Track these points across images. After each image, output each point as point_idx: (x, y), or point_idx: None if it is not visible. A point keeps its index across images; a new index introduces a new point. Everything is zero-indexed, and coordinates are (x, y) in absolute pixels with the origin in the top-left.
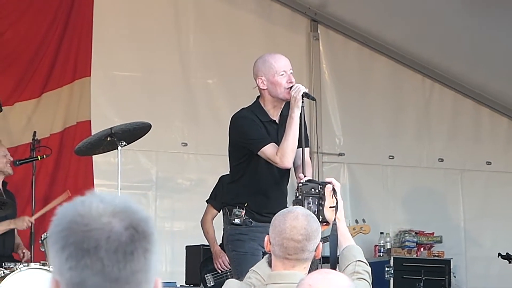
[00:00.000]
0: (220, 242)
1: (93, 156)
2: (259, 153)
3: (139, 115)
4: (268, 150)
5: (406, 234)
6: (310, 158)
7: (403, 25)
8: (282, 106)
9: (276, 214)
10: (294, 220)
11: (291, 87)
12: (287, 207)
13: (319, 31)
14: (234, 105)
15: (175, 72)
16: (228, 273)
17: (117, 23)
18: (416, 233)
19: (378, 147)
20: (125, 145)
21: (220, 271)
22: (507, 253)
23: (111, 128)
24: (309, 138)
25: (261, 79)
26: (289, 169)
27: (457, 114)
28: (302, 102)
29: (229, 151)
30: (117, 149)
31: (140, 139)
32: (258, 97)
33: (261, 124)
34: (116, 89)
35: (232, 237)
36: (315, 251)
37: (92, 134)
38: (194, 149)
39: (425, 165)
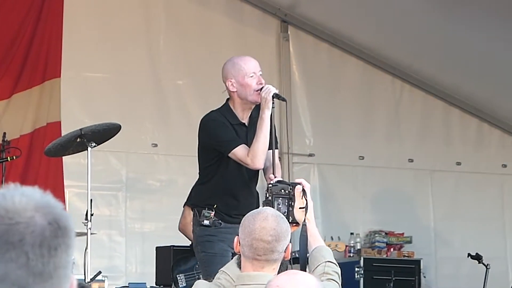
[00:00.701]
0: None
1: (63, 157)
2: (230, 154)
3: (110, 116)
4: (239, 152)
5: (376, 235)
6: (280, 158)
7: (373, 26)
8: (252, 108)
9: (246, 215)
10: (264, 221)
11: (261, 89)
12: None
13: (289, 32)
14: (204, 106)
15: (146, 73)
16: (201, 274)
17: (87, 24)
18: (386, 233)
19: (348, 147)
20: (95, 146)
21: (196, 272)
22: (476, 253)
23: (81, 129)
24: (278, 139)
25: (230, 81)
26: (258, 171)
27: (427, 115)
28: (273, 103)
29: (198, 153)
30: (87, 150)
31: (110, 140)
32: (228, 99)
33: (231, 127)
34: (87, 90)
35: (201, 238)
36: (285, 252)
37: (62, 135)
38: (164, 150)
39: (395, 166)
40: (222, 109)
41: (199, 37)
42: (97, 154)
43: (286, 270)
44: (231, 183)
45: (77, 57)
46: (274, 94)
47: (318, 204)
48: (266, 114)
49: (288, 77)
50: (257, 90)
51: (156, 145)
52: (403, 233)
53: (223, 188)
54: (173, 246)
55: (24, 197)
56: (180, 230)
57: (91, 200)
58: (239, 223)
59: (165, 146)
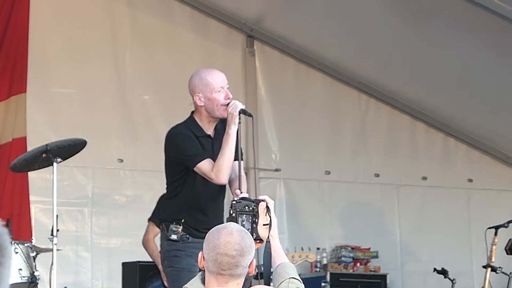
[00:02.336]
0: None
1: (29, 173)
2: (195, 168)
3: (76, 131)
4: (204, 166)
5: (343, 250)
6: (246, 173)
7: (339, 41)
8: (217, 121)
9: (210, 230)
10: (228, 236)
11: (228, 104)
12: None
13: (255, 47)
14: (170, 121)
15: (112, 88)
16: None
17: (53, 39)
18: (352, 248)
19: (314, 162)
20: (60, 161)
21: None
22: (442, 268)
23: (46, 145)
24: (243, 154)
25: (198, 95)
26: (225, 185)
27: (393, 129)
28: (239, 118)
29: (165, 167)
30: (53, 165)
31: (76, 155)
32: (193, 112)
33: (197, 140)
34: (53, 106)
35: (168, 253)
36: (249, 267)
37: (28, 150)
38: (131, 165)
39: (361, 181)
40: (188, 121)
41: (165, 52)
42: (63, 169)
43: (251, 286)
44: (199, 197)
45: (43, 72)
46: (240, 109)
47: (285, 219)
48: (232, 130)
49: (254, 92)
50: (225, 105)
51: (122, 161)
52: (369, 248)
53: (191, 202)
54: (139, 261)
55: None
56: (143, 245)
57: (57, 215)
58: None
59: (131, 162)
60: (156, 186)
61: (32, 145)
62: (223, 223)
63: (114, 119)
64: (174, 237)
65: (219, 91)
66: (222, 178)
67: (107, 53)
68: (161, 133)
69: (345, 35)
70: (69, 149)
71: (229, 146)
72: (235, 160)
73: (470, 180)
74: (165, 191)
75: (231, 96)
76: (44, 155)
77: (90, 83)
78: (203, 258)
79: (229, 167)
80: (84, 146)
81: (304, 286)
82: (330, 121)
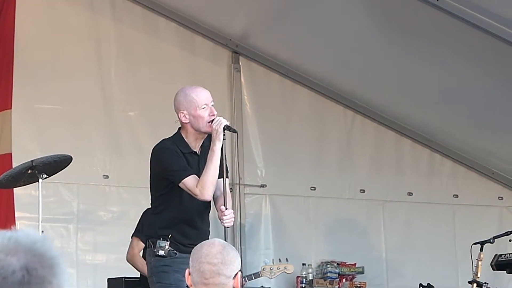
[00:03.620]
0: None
1: (14, 189)
2: (180, 184)
3: (61, 147)
4: (189, 182)
5: (328, 265)
6: (231, 189)
7: (324, 57)
8: (204, 138)
9: (195, 246)
10: (210, 246)
11: (212, 120)
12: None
13: (240, 63)
14: (156, 137)
15: (97, 104)
16: None
17: (38, 56)
18: (338, 264)
19: (300, 178)
20: (46, 177)
21: None
22: (428, 284)
23: (32, 161)
24: (229, 170)
25: (183, 113)
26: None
27: (379, 145)
28: (224, 135)
29: (150, 182)
30: (38, 181)
31: (61, 172)
32: (180, 128)
33: (183, 156)
34: (38, 122)
35: (156, 268)
36: (233, 279)
37: (13, 167)
38: (116, 182)
39: (347, 196)
40: (174, 137)
41: (150, 68)
42: (48, 185)
43: None
44: (185, 212)
45: (28, 89)
46: (225, 126)
47: (270, 235)
48: (217, 146)
49: (239, 107)
50: (210, 122)
51: (107, 177)
52: (355, 264)
53: (177, 217)
54: (125, 277)
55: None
56: (128, 261)
57: (42, 231)
58: None
59: (117, 178)
60: (142, 202)
61: (18, 161)
62: (208, 238)
63: (99, 135)
64: (161, 252)
65: (203, 108)
66: (206, 194)
67: (92, 69)
68: (146, 149)
69: (330, 51)
70: (55, 165)
71: (213, 162)
72: (220, 177)
73: (456, 196)
74: (150, 206)
75: (215, 112)
76: (29, 171)
77: (75, 99)
78: (189, 273)
79: (214, 183)
80: (70, 162)
81: None
82: (315, 136)
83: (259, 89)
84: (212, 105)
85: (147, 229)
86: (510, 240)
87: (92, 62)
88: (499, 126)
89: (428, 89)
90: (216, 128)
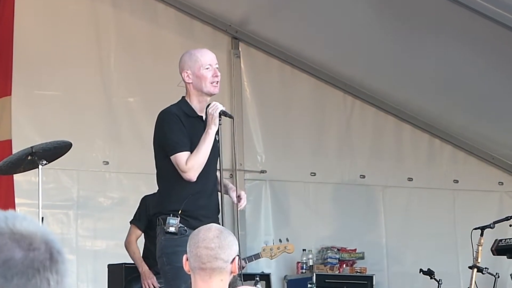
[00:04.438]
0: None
1: (14, 175)
2: (171, 157)
3: (61, 134)
4: (181, 158)
5: (329, 251)
6: (232, 175)
7: (324, 42)
8: (208, 102)
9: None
10: (207, 231)
11: (209, 105)
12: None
13: (240, 49)
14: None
15: (97, 90)
16: None
17: (38, 42)
18: (338, 249)
19: (300, 164)
20: (46, 164)
21: None
22: (428, 269)
23: (31, 147)
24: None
25: (186, 72)
26: (216, 167)
27: (379, 130)
28: (220, 120)
29: (154, 151)
30: (38, 168)
31: (61, 158)
32: (183, 96)
33: (188, 120)
34: (38, 108)
35: (166, 249)
36: (231, 263)
37: (13, 153)
38: (116, 168)
39: (347, 182)
40: (179, 102)
41: (150, 54)
42: (48, 172)
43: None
44: (193, 183)
45: (28, 75)
46: (221, 111)
47: (270, 220)
48: (212, 130)
49: (239, 93)
50: (212, 83)
51: (107, 163)
52: (355, 249)
53: (186, 189)
54: (125, 263)
55: (29, 223)
56: (125, 247)
57: (42, 218)
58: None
59: (117, 164)
60: (142, 188)
61: (17, 147)
62: (218, 207)
63: (99, 122)
64: (172, 229)
65: (207, 68)
66: (192, 174)
67: (92, 55)
68: (146, 136)
69: (330, 36)
70: (55, 151)
71: (206, 145)
72: (215, 160)
73: (456, 181)
74: (150, 192)
75: (219, 74)
76: (29, 158)
77: (75, 86)
78: (187, 258)
79: (202, 165)
80: (70, 148)
81: (291, 287)
82: (315, 122)
83: (259, 75)
84: (217, 68)
85: (154, 207)
86: (510, 225)
87: (92, 49)
88: (499, 112)
89: (428, 75)
90: (212, 113)
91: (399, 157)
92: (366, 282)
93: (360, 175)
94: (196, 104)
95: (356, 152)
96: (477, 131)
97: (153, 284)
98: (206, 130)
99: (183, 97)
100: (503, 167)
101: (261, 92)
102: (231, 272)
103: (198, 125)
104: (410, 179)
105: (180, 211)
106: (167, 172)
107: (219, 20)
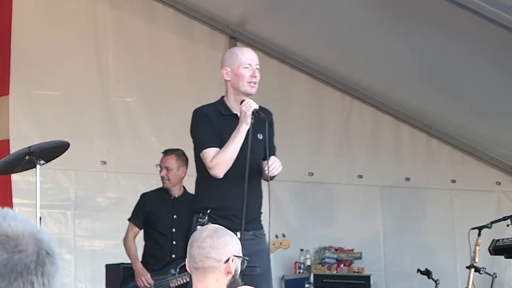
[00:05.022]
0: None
1: (12, 175)
2: (200, 154)
3: (59, 133)
4: (208, 154)
5: (326, 251)
6: None
7: (322, 42)
8: None
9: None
10: (202, 230)
11: (242, 101)
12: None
13: None
14: (154, 123)
15: (95, 90)
16: None
17: (36, 42)
18: (336, 249)
19: (298, 163)
20: (43, 163)
21: None
22: (426, 269)
23: (29, 147)
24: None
25: (226, 69)
26: (260, 168)
27: (377, 130)
28: (252, 118)
29: (194, 150)
30: (36, 167)
31: (59, 158)
32: (223, 96)
33: (222, 118)
34: (35, 108)
35: None
36: (225, 263)
37: (11, 153)
38: (114, 168)
39: (345, 182)
40: (217, 101)
41: (148, 54)
42: (46, 172)
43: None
44: (226, 183)
45: (26, 75)
46: (254, 109)
47: (268, 220)
48: (243, 128)
49: None
50: (249, 83)
51: (105, 163)
52: (353, 249)
53: (216, 187)
54: (123, 263)
55: (18, 223)
56: (123, 243)
57: (40, 218)
58: (236, 228)
59: (114, 164)
60: (140, 187)
61: (15, 147)
62: (258, 212)
63: (97, 121)
64: (198, 227)
65: (246, 68)
66: (218, 171)
67: (90, 55)
68: (144, 135)
69: (328, 36)
70: (52, 151)
71: (235, 142)
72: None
73: (453, 181)
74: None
75: (257, 75)
76: (27, 157)
77: (73, 85)
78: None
79: (229, 162)
80: (67, 148)
81: (288, 287)
82: (313, 122)
83: None
84: (257, 68)
85: (193, 205)
86: (508, 225)
87: (90, 48)
88: (497, 112)
89: (426, 75)
90: (245, 111)
91: (397, 157)
92: (363, 282)
93: (358, 175)
94: (233, 103)
95: (354, 152)
96: (475, 131)
97: (147, 281)
98: (237, 128)
99: (223, 96)
100: (501, 167)
101: (259, 91)
102: (227, 273)
103: (232, 123)
104: (408, 179)
105: (209, 210)
106: (199, 170)
107: (217, 20)
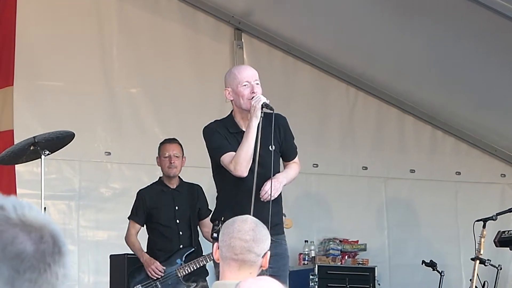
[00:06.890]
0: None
1: (16, 166)
2: (220, 162)
3: (63, 124)
4: (226, 159)
5: (331, 242)
6: None
7: (327, 34)
8: None
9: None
10: (243, 222)
11: (252, 97)
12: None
13: (243, 40)
14: (158, 114)
15: (99, 81)
16: (158, 283)
17: (40, 32)
18: (340, 241)
19: (302, 155)
20: (48, 154)
21: (151, 279)
22: (431, 261)
23: (34, 137)
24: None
25: (227, 90)
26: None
27: (381, 122)
28: (262, 112)
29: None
30: (40, 158)
31: (63, 148)
32: (232, 111)
33: (230, 135)
34: (40, 99)
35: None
36: (263, 257)
37: (15, 143)
38: (118, 158)
39: (349, 173)
40: (225, 118)
41: (152, 45)
42: (50, 162)
43: None
44: (239, 194)
45: (30, 66)
46: (263, 103)
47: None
48: (253, 123)
49: None
50: (250, 99)
51: (109, 154)
52: (357, 241)
53: (231, 200)
54: (127, 254)
55: (38, 214)
56: (125, 241)
57: (44, 208)
58: None
59: (119, 155)
60: (144, 179)
61: (19, 138)
62: (274, 215)
63: (101, 112)
64: (215, 235)
65: (244, 85)
66: (239, 170)
67: (94, 46)
68: (148, 126)
69: (333, 28)
70: (57, 141)
71: (248, 139)
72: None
73: (458, 173)
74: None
75: (256, 90)
76: (32, 148)
77: (77, 76)
78: (218, 248)
79: (247, 159)
80: (72, 139)
81: (293, 279)
82: (318, 114)
83: (262, 66)
84: (256, 84)
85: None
86: None
87: (94, 39)
88: (502, 103)
89: (431, 66)
90: (254, 105)
91: (402, 148)
92: (368, 273)
93: (363, 167)
94: (240, 120)
95: (358, 144)
96: (480, 123)
97: (157, 268)
98: (248, 124)
99: (231, 112)
100: (506, 159)
101: (263, 83)
102: (261, 266)
103: (240, 140)
104: (412, 171)
105: (223, 218)
106: (218, 183)
107: (222, 11)
